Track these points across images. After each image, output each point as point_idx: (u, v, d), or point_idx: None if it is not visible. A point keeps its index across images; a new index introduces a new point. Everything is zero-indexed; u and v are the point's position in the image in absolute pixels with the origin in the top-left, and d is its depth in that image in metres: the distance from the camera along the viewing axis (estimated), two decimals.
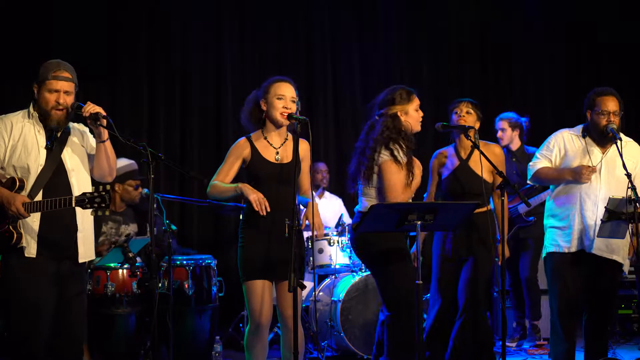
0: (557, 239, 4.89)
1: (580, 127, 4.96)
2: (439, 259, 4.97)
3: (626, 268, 4.96)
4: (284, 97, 4.22)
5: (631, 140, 4.97)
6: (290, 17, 8.14)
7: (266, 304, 4.17)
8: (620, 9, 8.52)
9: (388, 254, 4.40)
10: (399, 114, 4.46)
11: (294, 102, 4.25)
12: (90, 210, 3.76)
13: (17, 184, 3.84)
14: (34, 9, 7.00)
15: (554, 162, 4.93)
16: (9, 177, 3.88)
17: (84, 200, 3.73)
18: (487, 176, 4.87)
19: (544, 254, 5.02)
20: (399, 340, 4.36)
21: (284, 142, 4.30)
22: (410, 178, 4.41)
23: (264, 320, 4.17)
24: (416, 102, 4.54)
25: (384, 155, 4.37)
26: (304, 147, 4.33)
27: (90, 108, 3.88)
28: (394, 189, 4.35)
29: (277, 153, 4.27)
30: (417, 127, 4.52)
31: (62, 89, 3.92)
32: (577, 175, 4.77)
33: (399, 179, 4.37)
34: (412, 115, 4.49)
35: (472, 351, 4.82)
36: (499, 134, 6.75)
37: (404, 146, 4.40)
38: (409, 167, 4.40)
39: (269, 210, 4.06)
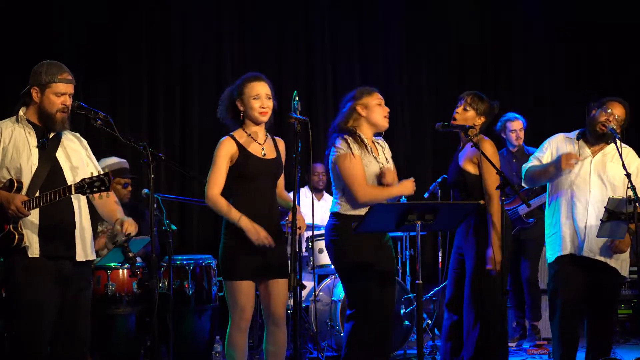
0: (554, 247, 4.84)
1: (576, 132, 4.93)
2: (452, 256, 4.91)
3: (624, 272, 4.84)
4: (259, 96, 4.25)
5: (629, 148, 4.89)
6: (290, 17, 8.12)
7: (253, 302, 4.27)
8: (620, 9, 8.51)
9: (360, 267, 4.34)
10: None
11: (269, 98, 4.28)
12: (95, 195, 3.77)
13: (15, 185, 3.82)
14: (35, 9, 7.00)
15: (544, 162, 4.87)
16: (5, 180, 3.86)
17: (84, 187, 3.71)
18: (471, 168, 4.71)
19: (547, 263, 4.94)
20: (360, 342, 4.34)
21: (266, 139, 4.34)
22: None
23: (250, 318, 4.26)
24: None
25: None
26: (282, 145, 4.42)
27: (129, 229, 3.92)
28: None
29: (263, 149, 4.31)
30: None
31: (68, 91, 3.92)
32: (558, 164, 4.67)
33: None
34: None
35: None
36: (519, 133, 6.72)
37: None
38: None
39: (272, 245, 4.12)
